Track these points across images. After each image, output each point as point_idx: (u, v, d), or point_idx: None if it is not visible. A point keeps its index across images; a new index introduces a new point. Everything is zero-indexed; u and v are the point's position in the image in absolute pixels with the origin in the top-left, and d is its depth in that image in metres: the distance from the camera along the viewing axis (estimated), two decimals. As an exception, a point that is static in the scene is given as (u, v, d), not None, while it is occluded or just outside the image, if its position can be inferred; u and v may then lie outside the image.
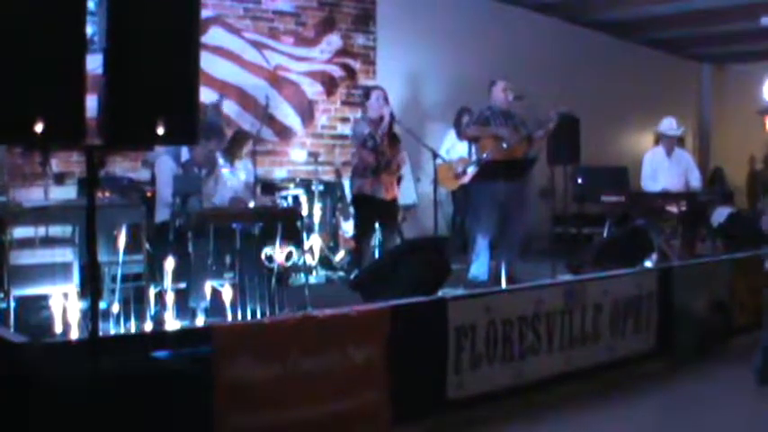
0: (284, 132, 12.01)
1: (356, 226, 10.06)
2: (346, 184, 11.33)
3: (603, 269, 8.91)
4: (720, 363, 7.10)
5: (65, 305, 6.42)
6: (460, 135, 11.62)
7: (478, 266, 9.64)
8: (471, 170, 10.62)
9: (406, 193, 10.79)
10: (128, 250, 7.35)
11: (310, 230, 10.04)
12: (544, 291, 8.00)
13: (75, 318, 6.28)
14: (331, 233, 10.79)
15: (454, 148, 11.68)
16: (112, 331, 6.55)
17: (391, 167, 9.48)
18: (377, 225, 9.77)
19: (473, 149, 10.96)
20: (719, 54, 18.38)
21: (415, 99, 12.86)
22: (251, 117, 11.23)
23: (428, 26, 13.19)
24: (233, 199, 8.57)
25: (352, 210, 11.08)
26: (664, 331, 8.74)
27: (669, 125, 11.75)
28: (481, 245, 9.70)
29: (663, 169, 11.77)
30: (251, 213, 8.33)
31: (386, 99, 9.56)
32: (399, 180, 10.03)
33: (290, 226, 8.64)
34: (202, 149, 8.22)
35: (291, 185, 10.69)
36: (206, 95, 10.24)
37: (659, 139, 12.25)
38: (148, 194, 8.96)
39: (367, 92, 10.25)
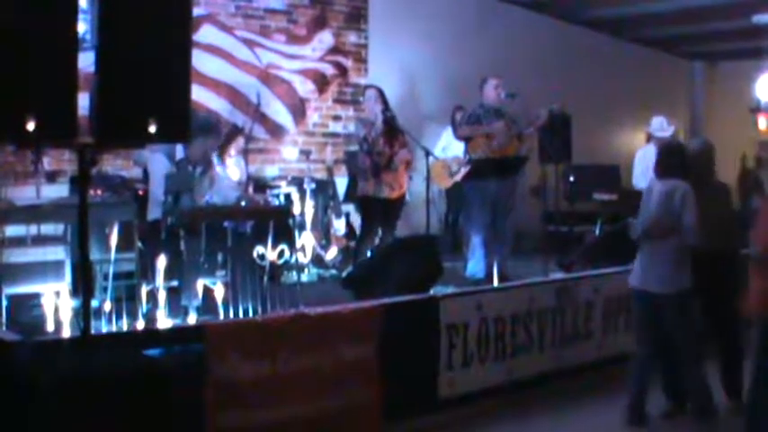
0: (276, 130, 11.99)
1: (360, 226, 10.06)
2: (338, 181, 11.33)
3: (595, 267, 8.93)
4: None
5: (57, 303, 6.42)
6: (455, 135, 11.66)
7: (475, 264, 9.64)
8: (465, 170, 10.65)
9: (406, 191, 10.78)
10: (120, 248, 7.34)
11: (302, 228, 10.02)
12: (536, 289, 8.03)
13: (66, 316, 6.28)
14: (323, 231, 10.78)
15: (450, 146, 11.66)
16: (104, 329, 6.54)
17: (392, 166, 9.48)
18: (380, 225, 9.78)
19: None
20: (711, 52, 18.39)
21: (407, 97, 12.83)
22: (242, 115, 11.21)
23: (420, 24, 13.18)
24: (239, 197, 8.55)
25: (344, 208, 11.11)
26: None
27: (659, 125, 11.72)
28: (475, 242, 9.71)
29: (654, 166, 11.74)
30: (243, 211, 8.32)
31: (380, 98, 9.55)
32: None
33: (281, 224, 8.64)
34: (200, 147, 8.20)
35: (283, 183, 10.67)
36: (198, 94, 10.25)
37: (650, 137, 12.25)
38: (140, 192, 8.94)
39: (364, 91, 10.27)
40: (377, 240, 9.79)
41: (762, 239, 6.06)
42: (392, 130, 9.50)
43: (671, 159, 6.89)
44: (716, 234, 6.74)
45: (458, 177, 10.70)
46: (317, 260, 10.31)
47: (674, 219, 6.61)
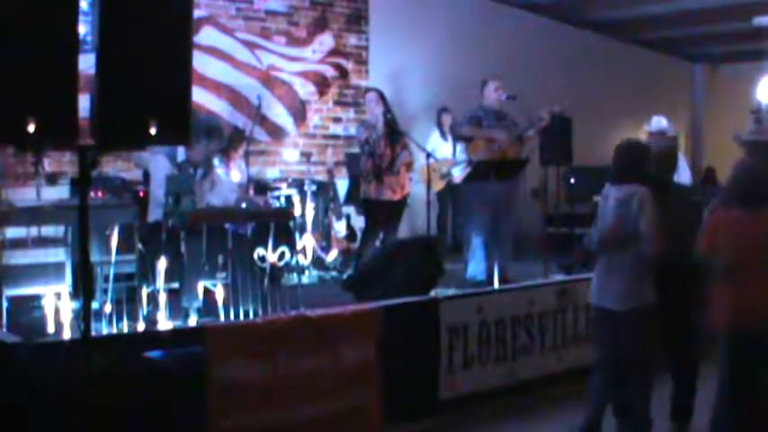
0: (277, 132, 12.00)
1: (363, 228, 10.06)
2: (339, 183, 11.34)
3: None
4: (712, 363, 7.07)
5: (57, 305, 6.42)
6: (451, 133, 11.72)
7: (475, 266, 9.63)
8: (456, 171, 10.67)
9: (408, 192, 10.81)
10: (120, 250, 7.35)
11: (303, 230, 10.03)
12: (536, 291, 8.02)
13: (67, 318, 6.29)
14: (324, 233, 10.79)
15: (438, 148, 11.69)
16: (105, 331, 6.54)
17: (395, 168, 9.48)
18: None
19: (458, 150, 11.02)
20: (712, 54, 18.41)
21: (407, 99, 12.85)
22: (243, 117, 11.22)
23: (420, 26, 13.19)
24: (239, 199, 8.56)
25: (345, 210, 11.12)
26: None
27: (657, 123, 11.70)
28: (476, 244, 9.70)
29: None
30: (243, 213, 8.33)
31: (381, 100, 9.56)
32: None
33: (282, 226, 8.64)
34: (203, 149, 8.20)
35: (284, 185, 10.68)
36: (199, 96, 10.27)
37: (650, 138, 12.22)
38: (141, 194, 8.95)
39: (364, 94, 10.29)
40: (379, 242, 9.81)
41: (729, 250, 5.80)
42: (393, 132, 9.51)
43: (628, 162, 6.23)
44: (679, 243, 6.12)
45: (456, 179, 10.72)
46: (318, 262, 10.32)
47: (631, 228, 5.98)
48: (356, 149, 10.58)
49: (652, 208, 5.97)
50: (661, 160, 6.65)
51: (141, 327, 6.83)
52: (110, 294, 7.20)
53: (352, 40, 12.88)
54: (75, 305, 6.63)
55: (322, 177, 11.44)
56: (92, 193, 7.70)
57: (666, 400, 6.79)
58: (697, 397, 6.77)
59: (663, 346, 6.62)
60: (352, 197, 11.20)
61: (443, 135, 12.20)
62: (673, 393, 6.81)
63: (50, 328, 6.36)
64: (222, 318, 7.23)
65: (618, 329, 6.12)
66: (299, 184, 10.57)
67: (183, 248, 7.65)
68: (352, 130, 11.58)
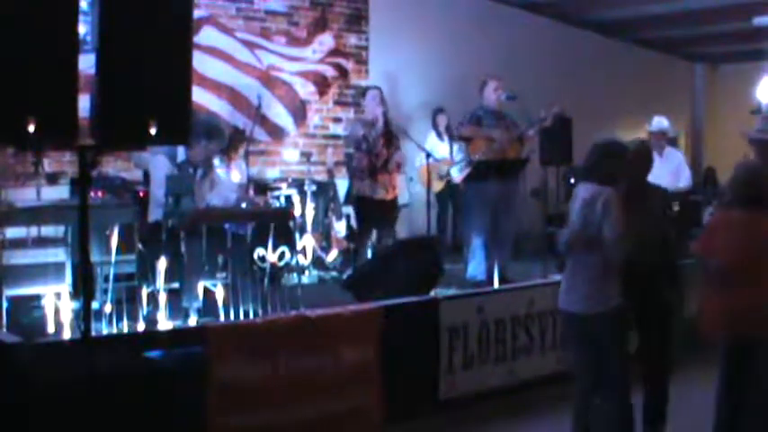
0: (277, 132, 12.00)
1: (356, 227, 10.07)
2: (339, 183, 11.34)
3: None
4: (710, 363, 7.06)
5: (57, 305, 6.42)
6: (447, 134, 11.80)
7: (475, 266, 9.62)
8: (455, 171, 10.65)
9: (399, 193, 10.81)
10: (120, 250, 7.34)
11: (303, 230, 10.03)
12: (536, 291, 8.02)
13: (67, 318, 6.29)
14: (324, 233, 10.79)
15: (435, 149, 11.68)
16: (105, 331, 6.54)
17: (389, 167, 9.51)
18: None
19: (455, 150, 11.00)
20: (712, 54, 18.41)
21: (407, 99, 12.85)
22: (243, 117, 11.22)
23: (420, 26, 13.19)
24: (239, 199, 8.57)
25: (344, 210, 11.11)
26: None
27: (658, 123, 11.68)
28: (476, 245, 9.70)
29: (653, 168, 11.68)
30: (243, 214, 8.33)
31: (381, 99, 9.58)
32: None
33: (282, 226, 8.64)
34: (203, 149, 8.20)
35: (284, 185, 10.68)
36: (199, 96, 10.27)
37: (650, 138, 12.20)
38: (141, 194, 8.95)
39: (363, 92, 10.28)
40: (373, 241, 9.81)
41: (729, 250, 5.73)
42: (390, 131, 9.54)
43: (597, 160, 6.00)
44: (651, 246, 6.10)
45: (456, 179, 10.70)
46: (318, 262, 10.32)
47: (595, 230, 5.67)
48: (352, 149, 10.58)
49: (617, 210, 5.67)
50: (635, 160, 6.45)
51: (141, 327, 6.83)
52: (110, 294, 7.20)
53: (352, 40, 12.87)
54: (75, 305, 6.63)
55: (322, 177, 11.43)
56: (92, 193, 7.70)
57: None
58: (681, 400, 6.74)
59: (635, 352, 6.52)
60: (352, 197, 11.20)
61: (439, 135, 12.23)
62: (645, 400, 6.61)
63: (50, 328, 6.36)
64: (222, 318, 7.22)
65: (586, 333, 5.93)
66: (299, 184, 10.56)
67: (183, 248, 7.65)
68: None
